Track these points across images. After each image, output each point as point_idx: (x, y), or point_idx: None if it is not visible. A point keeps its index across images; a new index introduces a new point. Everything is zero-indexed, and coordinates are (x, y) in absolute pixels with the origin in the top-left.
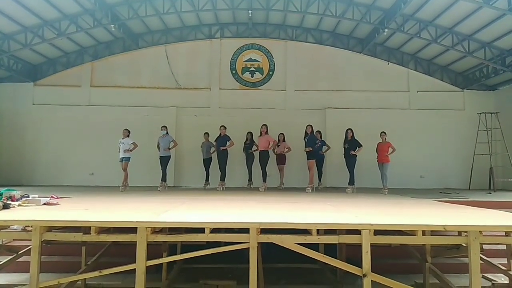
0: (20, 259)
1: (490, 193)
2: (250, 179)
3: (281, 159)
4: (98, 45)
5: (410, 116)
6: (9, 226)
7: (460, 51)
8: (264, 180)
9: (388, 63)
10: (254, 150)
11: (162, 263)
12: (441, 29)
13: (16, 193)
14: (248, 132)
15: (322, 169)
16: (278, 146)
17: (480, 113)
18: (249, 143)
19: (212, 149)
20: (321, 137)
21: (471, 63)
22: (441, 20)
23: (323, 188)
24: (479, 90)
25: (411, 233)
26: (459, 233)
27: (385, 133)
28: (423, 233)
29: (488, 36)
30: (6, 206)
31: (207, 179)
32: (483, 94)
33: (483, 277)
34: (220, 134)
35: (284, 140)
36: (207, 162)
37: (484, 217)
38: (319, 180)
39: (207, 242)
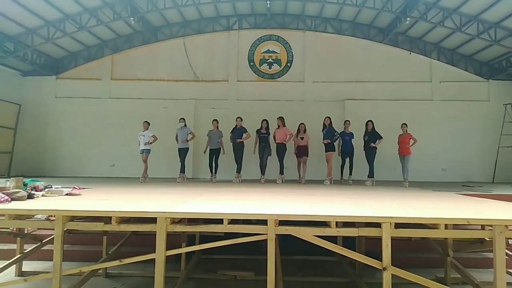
0: (44, 248)
1: None
2: (263, 173)
3: (304, 151)
4: (118, 39)
5: (432, 107)
6: (33, 216)
7: (486, 40)
8: (281, 172)
9: (410, 53)
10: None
11: (181, 253)
12: (465, 17)
13: (40, 183)
14: (264, 120)
15: (351, 162)
16: (302, 138)
17: (506, 104)
18: (266, 132)
19: (221, 139)
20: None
21: (497, 52)
22: (466, 7)
23: (352, 182)
24: (505, 80)
25: (433, 226)
26: (483, 227)
27: (406, 124)
28: (446, 226)
29: None
30: (30, 196)
31: (215, 171)
32: (509, 84)
33: (508, 272)
34: (236, 125)
35: (305, 131)
36: (214, 153)
37: (510, 210)
38: (350, 174)
39: (225, 233)
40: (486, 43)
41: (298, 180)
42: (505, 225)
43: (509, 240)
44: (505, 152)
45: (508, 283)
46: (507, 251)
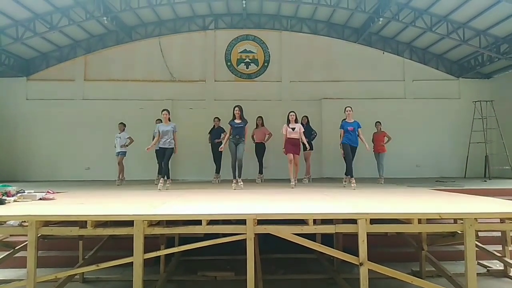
0: (17, 255)
1: (486, 181)
2: (238, 175)
3: (295, 145)
4: (91, 38)
5: (405, 105)
6: (5, 222)
7: (455, 39)
8: (261, 172)
9: (383, 53)
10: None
11: (160, 256)
12: (436, 17)
13: (12, 188)
14: (236, 106)
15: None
16: (293, 129)
17: (475, 101)
18: (241, 121)
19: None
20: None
21: (466, 51)
22: (436, 8)
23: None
24: (474, 79)
25: (407, 221)
26: (455, 221)
27: (380, 123)
28: (419, 221)
29: (483, 24)
30: (1, 202)
31: (166, 175)
32: (478, 82)
33: (479, 264)
34: (214, 126)
35: (296, 121)
36: (165, 152)
37: (480, 204)
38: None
39: (204, 234)
40: (455, 42)
41: (289, 181)
42: (475, 218)
43: (479, 232)
44: (476, 148)
45: (479, 274)
46: (477, 243)
